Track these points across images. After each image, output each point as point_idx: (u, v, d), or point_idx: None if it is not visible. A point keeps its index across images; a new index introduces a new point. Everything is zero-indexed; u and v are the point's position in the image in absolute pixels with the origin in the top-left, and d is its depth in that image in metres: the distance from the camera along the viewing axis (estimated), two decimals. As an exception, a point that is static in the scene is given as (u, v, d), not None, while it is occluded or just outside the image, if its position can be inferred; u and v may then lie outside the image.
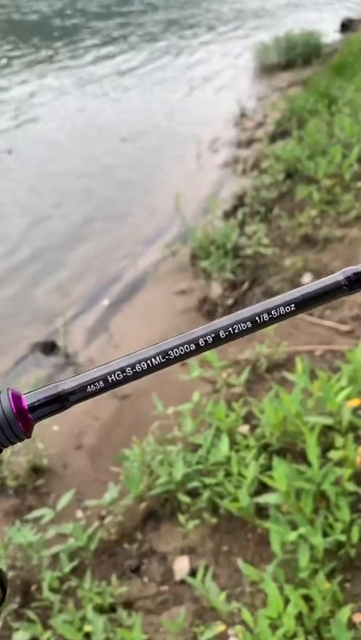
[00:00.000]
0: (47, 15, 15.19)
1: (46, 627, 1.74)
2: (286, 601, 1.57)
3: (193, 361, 2.43)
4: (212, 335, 0.40)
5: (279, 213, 4.19)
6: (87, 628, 1.68)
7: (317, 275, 3.38)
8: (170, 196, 4.66)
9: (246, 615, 1.56)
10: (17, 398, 0.38)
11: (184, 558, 1.94)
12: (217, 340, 0.40)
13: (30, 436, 0.38)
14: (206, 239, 3.89)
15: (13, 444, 0.37)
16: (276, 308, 0.40)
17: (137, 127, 7.24)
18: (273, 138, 5.98)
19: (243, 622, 1.61)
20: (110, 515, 2.11)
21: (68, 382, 0.38)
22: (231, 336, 0.40)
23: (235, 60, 10.30)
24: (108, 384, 0.39)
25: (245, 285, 3.51)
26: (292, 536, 1.70)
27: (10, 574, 1.93)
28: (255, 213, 4.33)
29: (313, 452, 1.86)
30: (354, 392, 2.06)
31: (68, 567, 1.92)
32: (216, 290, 3.57)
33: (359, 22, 12.04)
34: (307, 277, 3.37)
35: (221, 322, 0.40)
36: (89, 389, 0.38)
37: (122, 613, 1.74)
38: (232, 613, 1.70)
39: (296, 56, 9.28)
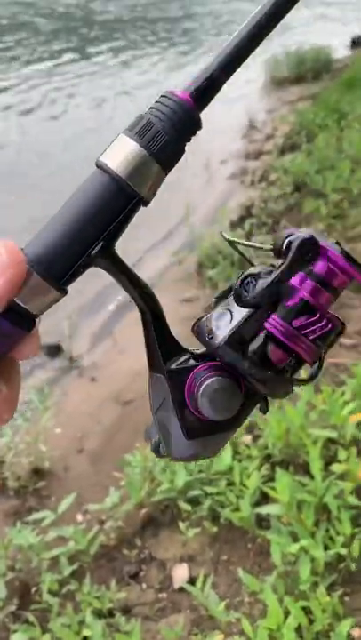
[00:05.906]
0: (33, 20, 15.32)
1: (45, 630, 1.74)
2: (286, 613, 1.57)
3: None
4: None
5: (286, 226, 4.21)
6: (86, 632, 1.68)
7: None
8: (177, 205, 4.68)
9: (246, 626, 1.56)
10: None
11: (183, 566, 1.94)
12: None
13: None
14: (213, 249, 3.91)
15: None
16: None
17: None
18: (282, 151, 6.02)
19: (241, 632, 1.61)
20: (110, 519, 2.11)
21: None
22: None
23: (245, 72, 10.36)
24: None
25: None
26: (293, 548, 1.71)
27: (9, 576, 1.93)
28: (262, 225, 4.35)
29: (316, 465, 1.87)
30: (358, 406, 2.08)
31: (67, 570, 1.92)
32: (221, 299, 3.58)
33: (370, 39, 12.12)
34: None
35: None
36: None
37: (120, 619, 1.74)
38: (230, 623, 1.71)
39: (306, 70, 9.35)
